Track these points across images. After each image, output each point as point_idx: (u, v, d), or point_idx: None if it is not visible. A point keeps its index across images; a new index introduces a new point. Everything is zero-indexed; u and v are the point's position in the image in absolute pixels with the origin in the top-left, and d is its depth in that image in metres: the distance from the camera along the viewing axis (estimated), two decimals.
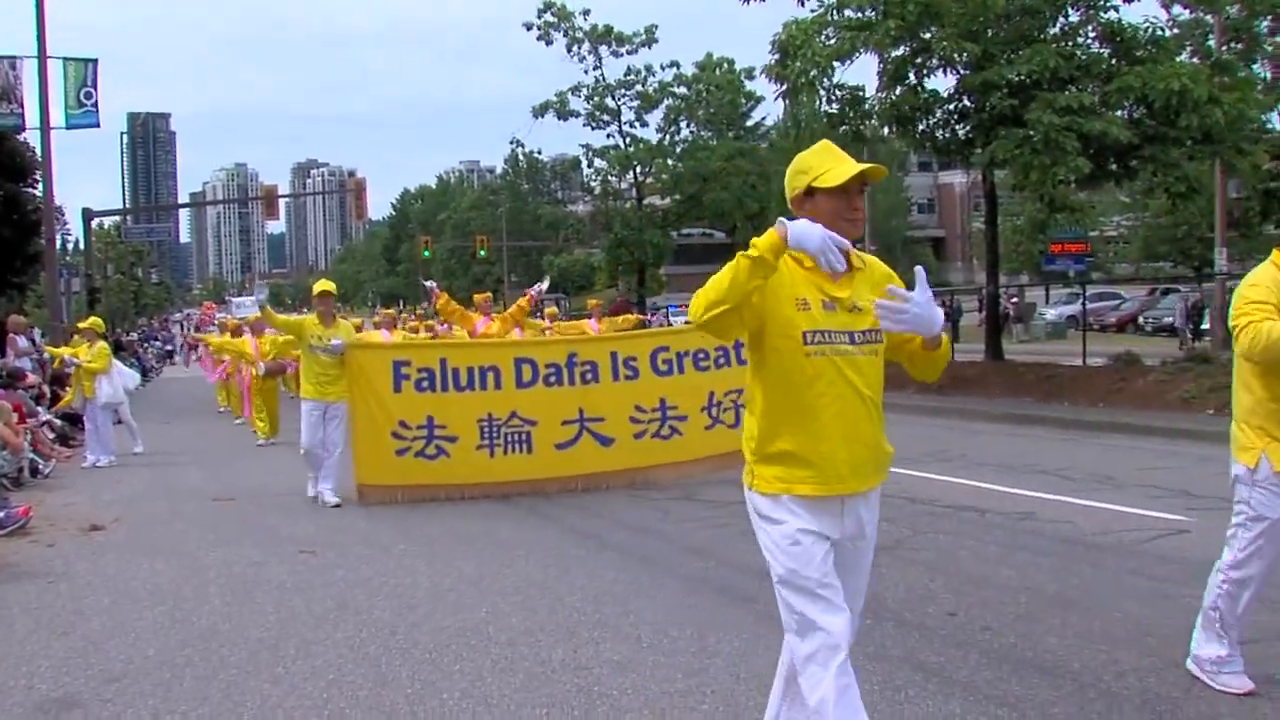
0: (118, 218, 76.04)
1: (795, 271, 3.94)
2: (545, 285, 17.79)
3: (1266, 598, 7.00)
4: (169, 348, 64.45)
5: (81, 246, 53.08)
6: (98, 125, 33.37)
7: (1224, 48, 26.58)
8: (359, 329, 19.52)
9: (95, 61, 33.37)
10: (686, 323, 14.96)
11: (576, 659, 6.23)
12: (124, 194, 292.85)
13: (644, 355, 12.82)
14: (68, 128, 32.81)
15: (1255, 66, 29.15)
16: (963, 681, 5.69)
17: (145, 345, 55.66)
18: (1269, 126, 31.11)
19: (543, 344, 14.43)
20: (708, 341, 12.59)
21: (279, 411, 19.86)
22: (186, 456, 17.95)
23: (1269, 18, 29.17)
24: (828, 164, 3.96)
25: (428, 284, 18.99)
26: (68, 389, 19.77)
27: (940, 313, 3.98)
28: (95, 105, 33.09)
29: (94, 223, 49.58)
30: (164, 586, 8.40)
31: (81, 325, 18.40)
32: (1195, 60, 22.82)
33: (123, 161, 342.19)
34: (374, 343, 15.67)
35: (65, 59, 32.92)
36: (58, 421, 19.21)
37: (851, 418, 3.93)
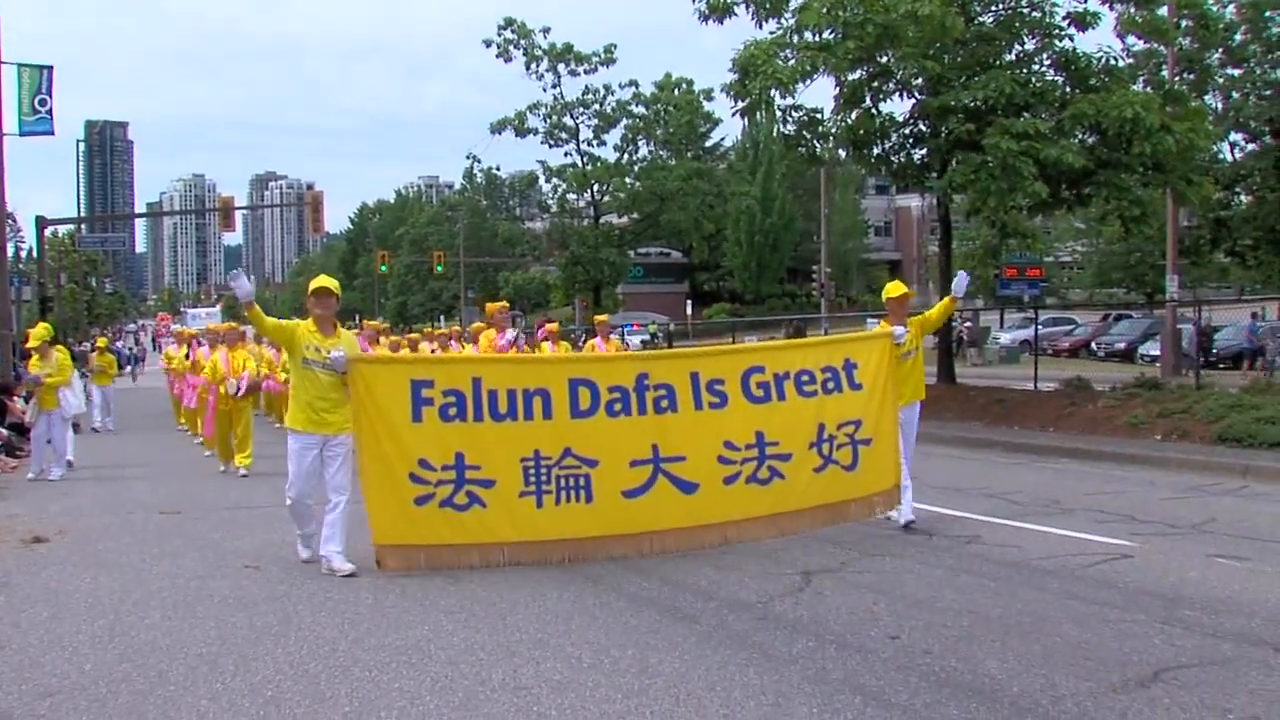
0: (72, 226, 75.26)
1: None
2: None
3: (1198, 623, 7.10)
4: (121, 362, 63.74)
5: (35, 254, 52.65)
6: (52, 133, 33.16)
7: (1176, 78, 26.94)
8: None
9: (51, 68, 33.16)
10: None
11: (516, 679, 6.21)
12: (79, 202, 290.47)
13: (733, 377, 10.13)
14: (21, 134, 32.56)
15: (1207, 98, 29.63)
16: (902, 705, 5.70)
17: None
18: (1219, 157, 31.61)
19: (604, 361, 11.46)
20: (812, 361, 10.47)
21: (253, 432, 17.05)
22: (136, 469, 17.78)
23: (1220, 50, 29.68)
24: None
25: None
26: (15, 399, 19.54)
27: None
28: (50, 112, 32.87)
29: (48, 231, 49.19)
30: (105, 600, 8.31)
31: (32, 345, 17.33)
32: (1148, 90, 23.10)
33: (79, 170, 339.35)
34: (385, 356, 12.99)
35: (20, 65, 32.69)
36: (4, 432, 18.98)
37: None
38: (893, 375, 10.66)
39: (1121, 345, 44.09)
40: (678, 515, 9.78)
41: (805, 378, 10.32)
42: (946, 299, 11.71)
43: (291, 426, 9.42)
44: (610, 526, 9.64)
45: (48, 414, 16.44)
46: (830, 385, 10.38)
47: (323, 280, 9.71)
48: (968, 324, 45.33)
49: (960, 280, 11.51)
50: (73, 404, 16.67)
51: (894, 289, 11.24)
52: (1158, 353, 34.60)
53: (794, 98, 22.30)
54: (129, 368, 58.56)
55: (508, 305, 16.48)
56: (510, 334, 15.47)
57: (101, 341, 31.17)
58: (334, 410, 9.34)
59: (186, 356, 22.63)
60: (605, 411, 9.67)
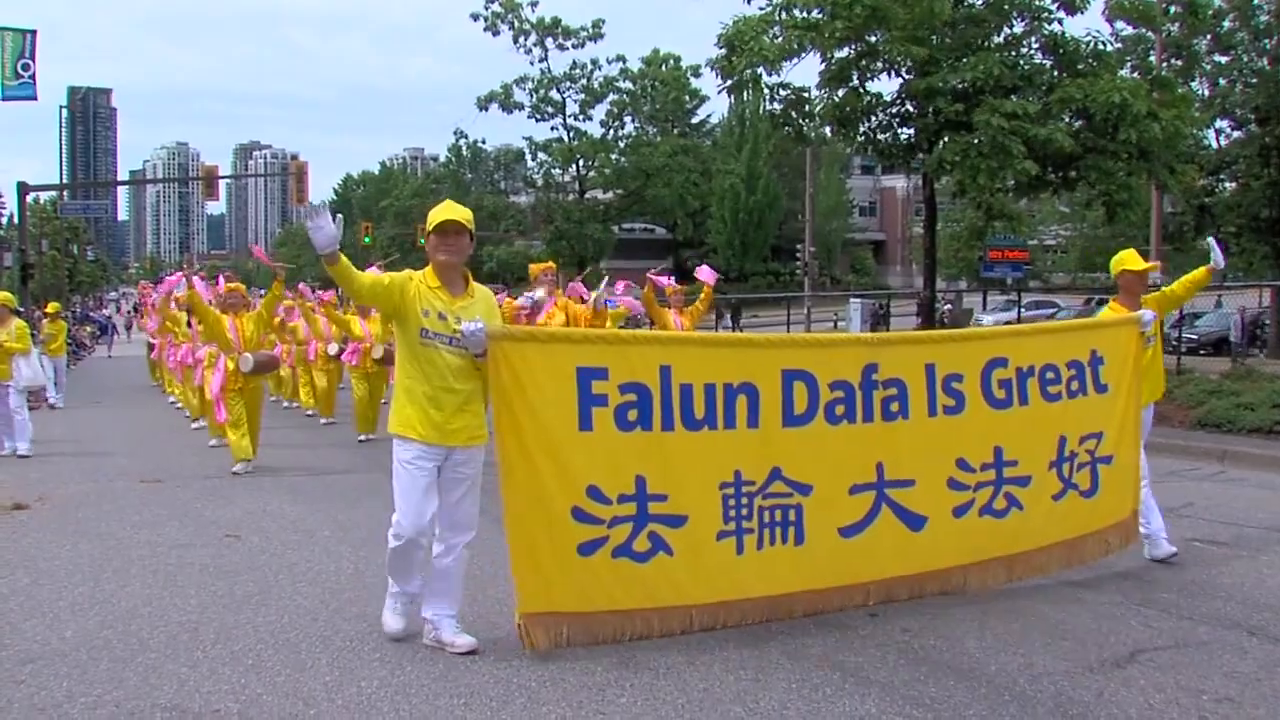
0: (54, 193, 74.80)
1: None
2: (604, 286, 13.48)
3: (1174, 606, 7.14)
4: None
5: (16, 221, 52.33)
6: (35, 98, 32.97)
7: (1164, 64, 26.97)
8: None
9: (34, 33, 32.93)
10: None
11: (497, 649, 6.24)
12: (61, 169, 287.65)
13: (973, 373, 7.47)
14: (4, 99, 32.38)
15: (1194, 84, 29.66)
16: (880, 682, 5.74)
17: (79, 324, 54.93)
18: (1205, 144, 31.67)
19: (823, 347, 7.59)
20: (1057, 352, 7.90)
21: (261, 419, 14.67)
22: (116, 438, 17.73)
23: (1208, 37, 29.71)
24: None
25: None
26: None
27: None
28: (33, 77, 32.68)
29: (29, 197, 48.89)
30: (85, 567, 8.30)
31: None
32: (1136, 75, 23.10)
33: (61, 136, 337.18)
34: (542, 331, 7.96)
35: (2, 28, 32.46)
36: None
37: None
38: (1139, 374, 8.29)
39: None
40: (900, 559, 7.22)
41: (1050, 375, 7.81)
42: (1202, 270, 9.06)
43: (399, 432, 6.31)
44: (823, 576, 6.95)
45: (2, 385, 15.62)
46: (1075, 386, 7.93)
47: (449, 209, 6.47)
48: (949, 306, 45.42)
49: (1217, 250, 9.07)
50: (25, 374, 15.97)
51: (1132, 261, 8.81)
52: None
53: (780, 75, 22.28)
54: (102, 337, 58.28)
55: (554, 265, 14.16)
56: (539, 293, 13.13)
57: (52, 307, 28.75)
58: (464, 409, 6.32)
59: (188, 325, 21.62)
60: (824, 416, 6.92)
